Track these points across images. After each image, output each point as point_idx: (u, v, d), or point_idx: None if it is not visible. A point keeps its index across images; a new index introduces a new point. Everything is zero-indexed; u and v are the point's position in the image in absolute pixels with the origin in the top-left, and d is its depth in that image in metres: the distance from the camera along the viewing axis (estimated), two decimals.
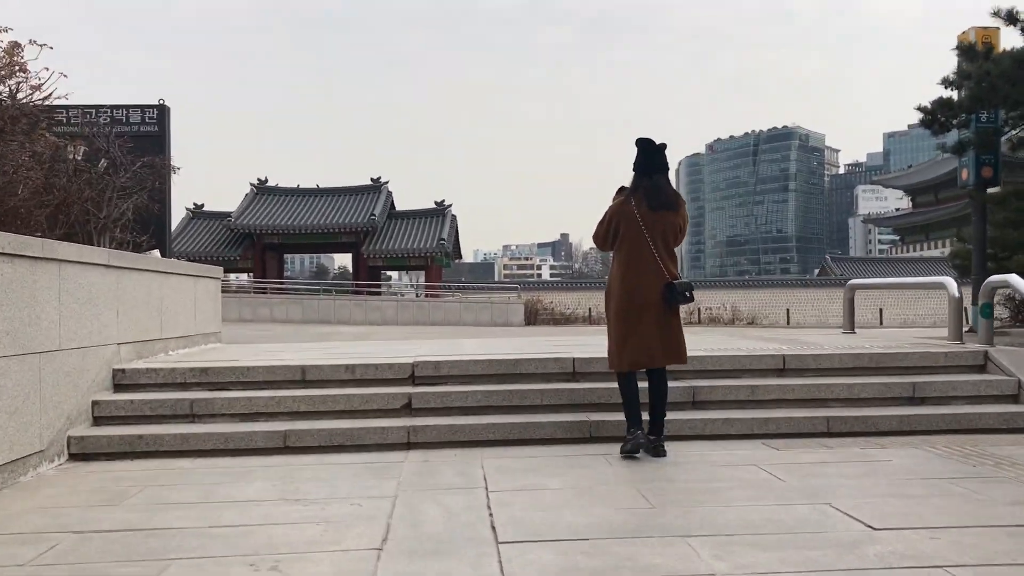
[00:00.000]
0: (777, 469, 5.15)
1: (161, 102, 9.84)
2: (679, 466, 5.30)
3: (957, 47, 12.28)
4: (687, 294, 5.60)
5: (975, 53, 11.65)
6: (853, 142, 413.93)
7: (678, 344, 5.68)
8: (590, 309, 34.27)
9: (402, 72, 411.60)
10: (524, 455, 5.72)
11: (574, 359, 6.99)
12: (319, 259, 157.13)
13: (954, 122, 12.99)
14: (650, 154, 5.76)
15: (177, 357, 7.76)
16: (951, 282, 8.13)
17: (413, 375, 6.89)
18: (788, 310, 39.03)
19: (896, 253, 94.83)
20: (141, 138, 9.79)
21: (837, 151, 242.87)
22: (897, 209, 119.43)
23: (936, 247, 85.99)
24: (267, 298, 36.42)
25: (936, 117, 12.75)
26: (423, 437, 6.07)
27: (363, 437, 6.05)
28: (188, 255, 44.66)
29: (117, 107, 9.81)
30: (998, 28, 13.45)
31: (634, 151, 5.82)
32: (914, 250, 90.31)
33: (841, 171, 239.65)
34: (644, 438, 5.53)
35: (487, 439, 6.09)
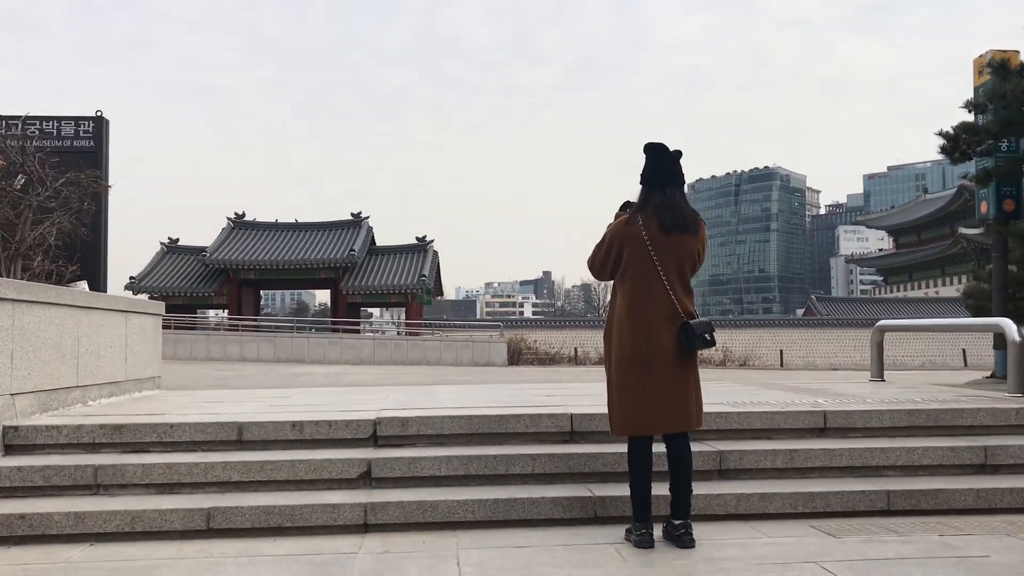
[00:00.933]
0: (845, 569, 3.93)
1: (99, 114, 8.62)
2: (715, 564, 4.06)
3: (988, 65, 11.28)
4: (707, 337, 4.40)
5: (1008, 71, 10.68)
6: (833, 183, 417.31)
7: (695, 404, 4.47)
8: (576, 349, 32.80)
9: (384, 110, 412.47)
10: (513, 543, 4.47)
11: (572, 415, 5.75)
12: (300, 295, 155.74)
13: (977, 150, 11.97)
14: (663, 162, 4.57)
15: (94, 409, 6.48)
16: (1010, 324, 6.99)
17: (375, 434, 5.64)
18: (782, 351, 37.80)
19: (880, 293, 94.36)
20: (74, 154, 8.53)
21: (818, 192, 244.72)
22: (880, 250, 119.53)
23: (920, 287, 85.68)
24: (237, 336, 34.87)
25: (958, 144, 11.72)
26: (384, 517, 4.80)
27: (308, 517, 4.78)
28: (161, 290, 43.32)
29: (47, 118, 8.58)
30: (1017, 51, 12.57)
31: (642, 161, 4.64)
32: (898, 290, 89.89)
33: (822, 212, 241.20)
34: (652, 539, 4.33)
35: (466, 519, 4.83)
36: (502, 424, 5.68)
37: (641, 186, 4.57)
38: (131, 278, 44.25)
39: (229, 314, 43.73)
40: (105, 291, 7.82)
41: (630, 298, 4.44)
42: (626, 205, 4.71)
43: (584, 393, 7.72)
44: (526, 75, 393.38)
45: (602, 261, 4.61)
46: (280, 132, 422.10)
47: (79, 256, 7.43)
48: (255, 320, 42.55)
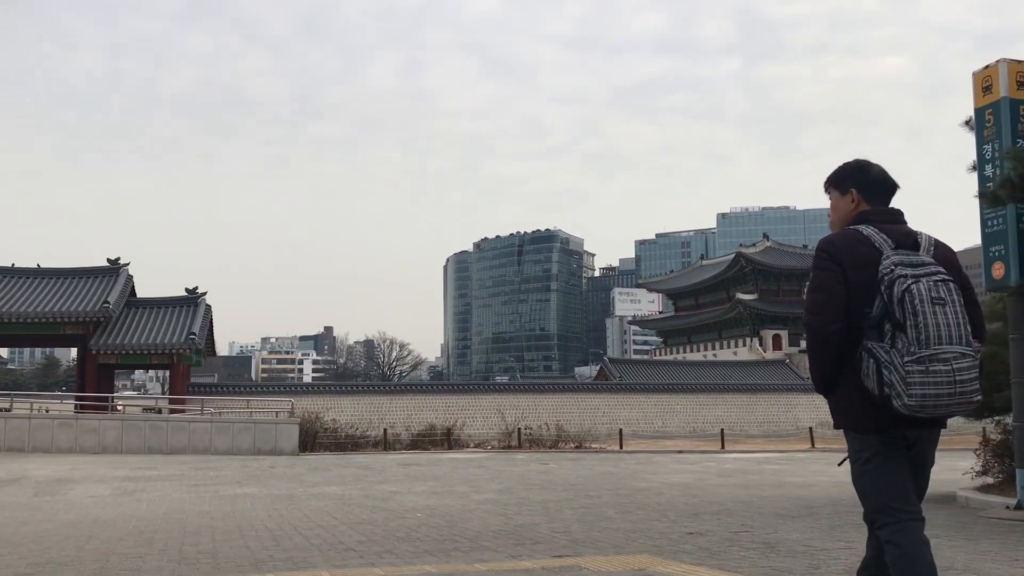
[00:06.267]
0: None
1: None
2: None
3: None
4: None
5: None
6: (607, 248, 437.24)
7: None
8: (385, 430, 26.88)
9: (157, 157, 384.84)
10: None
11: None
12: (52, 350, 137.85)
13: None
14: None
15: None
16: None
17: None
18: (621, 431, 33.00)
19: (659, 355, 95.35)
20: None
21: (593, 255, 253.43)
22: (660, 312, 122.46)
23: (699, 350, 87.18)
24: None
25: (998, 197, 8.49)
26: None
27: None
28: None
29: None
30: None
31: None
32: (678, 352, 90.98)
33: (597, 274, 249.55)
34: None
35: None
36: None
37: None
38: None
39: None
40: None
41: None
42: None
43: None
44: (309, 129, 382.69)
45: None
46: (36, 175, 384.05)
47: None
48: None
